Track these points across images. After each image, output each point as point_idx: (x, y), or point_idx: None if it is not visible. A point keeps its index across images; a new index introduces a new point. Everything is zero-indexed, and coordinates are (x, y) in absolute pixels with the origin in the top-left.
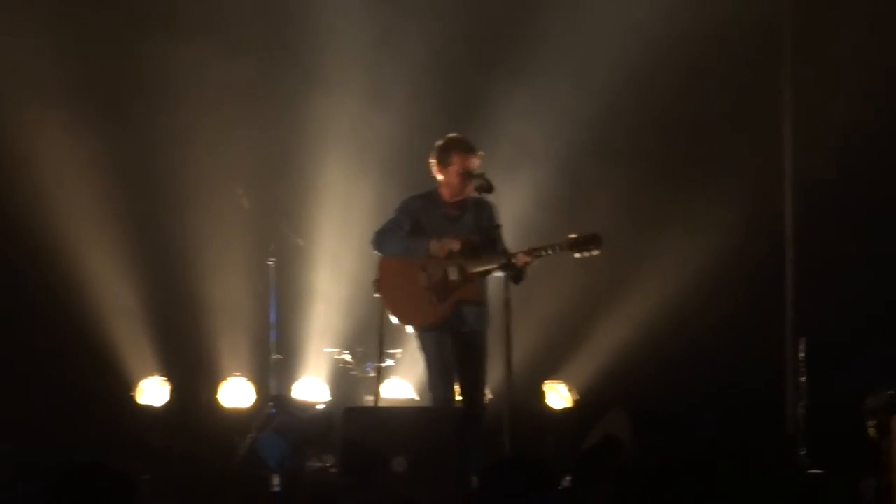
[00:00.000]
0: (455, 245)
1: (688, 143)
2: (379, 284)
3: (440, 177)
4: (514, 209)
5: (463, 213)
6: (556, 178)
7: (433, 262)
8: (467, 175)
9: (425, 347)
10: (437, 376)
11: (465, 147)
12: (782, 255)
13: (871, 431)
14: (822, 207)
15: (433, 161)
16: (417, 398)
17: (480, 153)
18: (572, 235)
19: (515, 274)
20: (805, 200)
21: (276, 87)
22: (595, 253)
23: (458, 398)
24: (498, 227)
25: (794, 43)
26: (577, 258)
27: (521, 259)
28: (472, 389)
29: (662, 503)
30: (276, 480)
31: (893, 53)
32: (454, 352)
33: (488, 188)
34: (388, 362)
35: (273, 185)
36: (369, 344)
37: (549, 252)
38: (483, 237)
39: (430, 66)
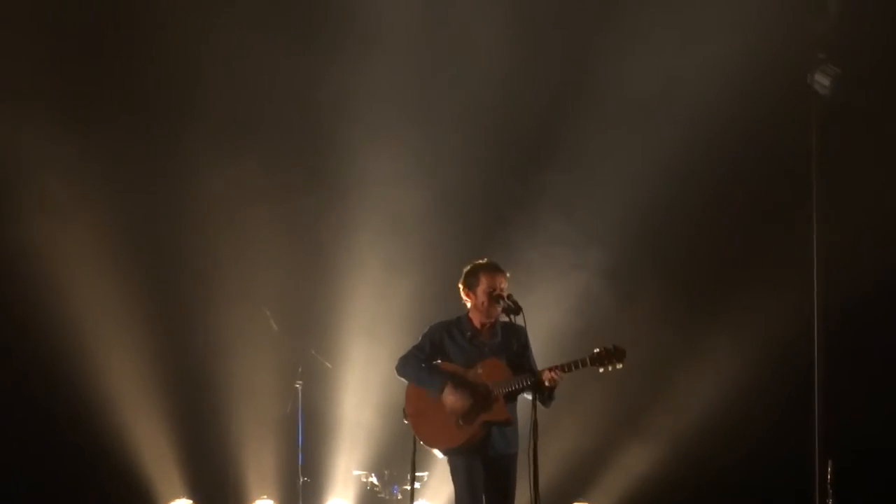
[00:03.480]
0: (465, 404)
1: (722, 266)
2: (407, 410)
3: (468, 301)
4: (550, 317)
5: (492, 338)
6: (596, 285)
7: (460, 383)
8: (494, 296)
9: (455, 471)
10: (467, 499)
11: (490, 267)
12: (811, 378)
13: None
14: (851, 329)
15: (461, 286)
16: None
17: (507, 274)
18: (596, 350)
19: (543, 394)
20: (835, 323)
21: (311, 218)
22: (619, 367)
23: None
24: (527, 348)
25: (820, 163)
26: (601, 372)
27: (546, 376)
28: None
29: None
30: None
31: None
32: (483, 475)
33: (515, 309)
34: (416, 485)
35: (302, 308)
36: (396, 467)
37: (574, 368)
38: (511, 359)
39: (458, 187)
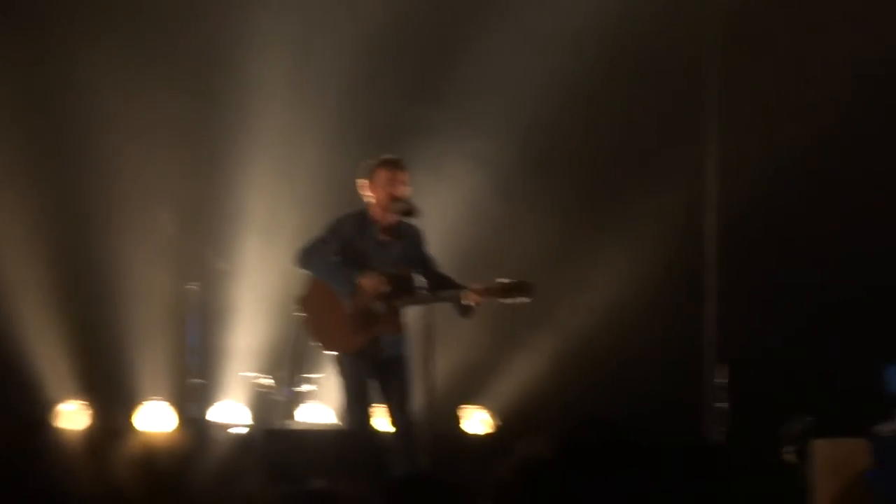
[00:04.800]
0: (385, 287)
1: (614, 166)
2: (304, 303)
3: (368, 195)
4: (445, 224)
5: (395, 239)
6: (488, 194)
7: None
8: (394, 196)
9: (342, 372)
10: (353, 401)
11: (390, 162)
12: (703, 281)
13: (790, 457)
14: (745, 234)
15: (361, 181)
16: (337, 422)
17: (406, 171)
18: (503, 281)
19: (463, 310)
20: (728, 228)
21: (202, 115)
22: (525, 301)
23: (386, 422)
24: (427, 256)
25: (720, 74)
26: (506, 304)
27: (472, 299)
28: (399, 410)
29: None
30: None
31: (811, 87)
32: (374, 379)
33: (411, 211)
34: (308, 386)
35: (198, 210)
36: (288, 368)
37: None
38: (412, 267)
39: (356, 94)
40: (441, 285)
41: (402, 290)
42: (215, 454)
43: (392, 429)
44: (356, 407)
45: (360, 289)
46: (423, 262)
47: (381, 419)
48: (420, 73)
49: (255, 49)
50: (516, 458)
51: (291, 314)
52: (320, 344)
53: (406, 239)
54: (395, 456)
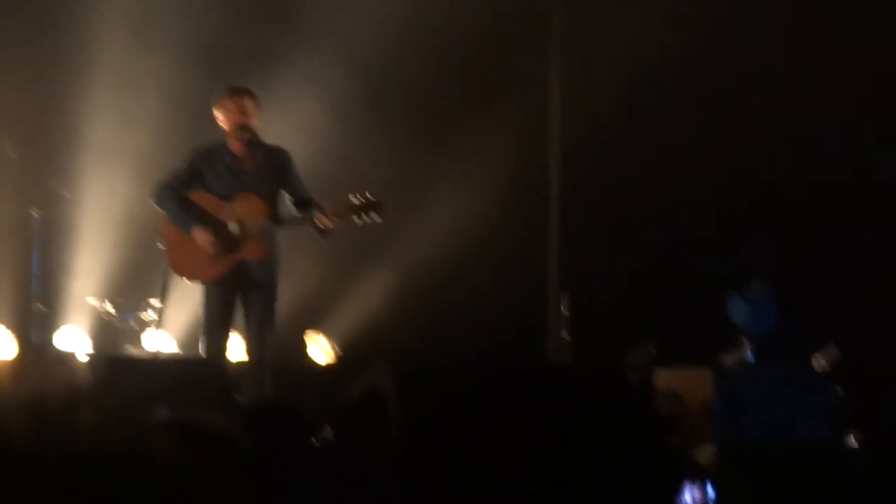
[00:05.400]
0: (212, 249)
1: (456, 96)
2: (163, 239)
3: (222, 125)
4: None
5: (255, 165)
6: (329, 122)
7: (217, 217)
8: (238, 125)
9: (205, 301)
10: (208, 330)
11: (235, 91)
12: (547, 212)
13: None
14: (588, 166)
15: (214, 111)
16: (182, 350)
17: (253, 99)
18: (353, 199)
19: (320, 231)
20: (571, 159)
21: (44, 41)
22: (377, 220)
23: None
24: (291, 175)
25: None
26: (358, 223)
27: (322, 221)
28: (255, 338)
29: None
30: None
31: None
32: (237, 306)
33: (253, 140)
34: (152, 313)
35: (40, 136)
36: (132, 295)
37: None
38: (273, 189)
39: (201, 16)
40: (303, 207)
41: (235, 242)
42: (58, 382)
43: (246, 357)
44: (210, 336)
45: (193, 235)
46: (289, 186)
47: (236, 347)
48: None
49: None
50: (357, 388)
51: (138, 245)
52: (182, 275)
53: (269, 164)
54: (245, 385)
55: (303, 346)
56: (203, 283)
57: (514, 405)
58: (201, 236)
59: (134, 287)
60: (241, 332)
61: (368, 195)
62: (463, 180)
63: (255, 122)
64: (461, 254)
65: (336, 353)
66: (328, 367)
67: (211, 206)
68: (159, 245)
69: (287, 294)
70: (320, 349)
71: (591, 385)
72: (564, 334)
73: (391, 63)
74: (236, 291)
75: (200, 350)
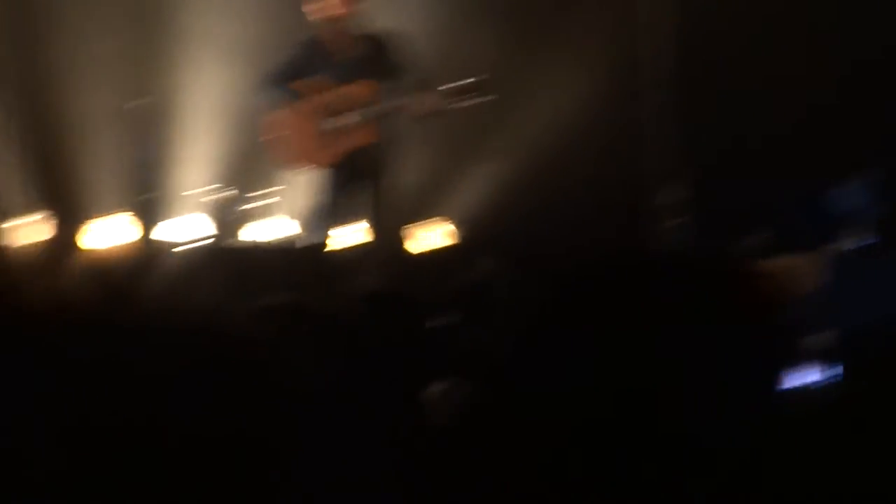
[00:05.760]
0: (318, 112)
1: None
2: (273, 127)
3: (315, 17)
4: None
5: (355, 55)
6: (432, 13)
7: (324, 106)
8: (329, 14)
9: (315, 188)
10: (318, 216)
11: None
12: (652, 97)
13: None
14: (693, 46)
15: (306, 4)
16: (296, 236)
17: None
18: (455, 84)
19: (421, 116)
20: (679, 38)
21: None
22: (481, 100)
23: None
24: (394, 63)
25: None
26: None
27: (424, 103)
28: (368, 222)
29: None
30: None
31: None
32: (348, 189)
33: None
34: (267, 199)
35: (146, 26)
36: (247, 182)
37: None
38: (375, 75)
39: None
40: (405, 92)
41: (342, 127)
42: (171, 269)
43: (359, 242)
44: (321, 222)
45: (301, 108)
46: (392, 70)
47: (348, 233)
48: None
49: None
50: (469, 274)
51: (251, 132)
52: (289, 162)
53: (370, 51)
54: (358, 271)
55: (414, 232)
56: (311, 168)
57: (622, 290)
58: (308, 105)
59: (245, 175)
60: (354, 218)
61: (469, 78)
62: (565, 66)
63: (347, 11)
64: (567, 140)
65: (448, 239)
66: (440, 253)
67: (318, 93)
68: (266, 135)
69: (398, 181)
70: (432, 236)
71: (699, 271)
72: (670, 222)
73: None
74: (348, 177)
75: (312, 237)
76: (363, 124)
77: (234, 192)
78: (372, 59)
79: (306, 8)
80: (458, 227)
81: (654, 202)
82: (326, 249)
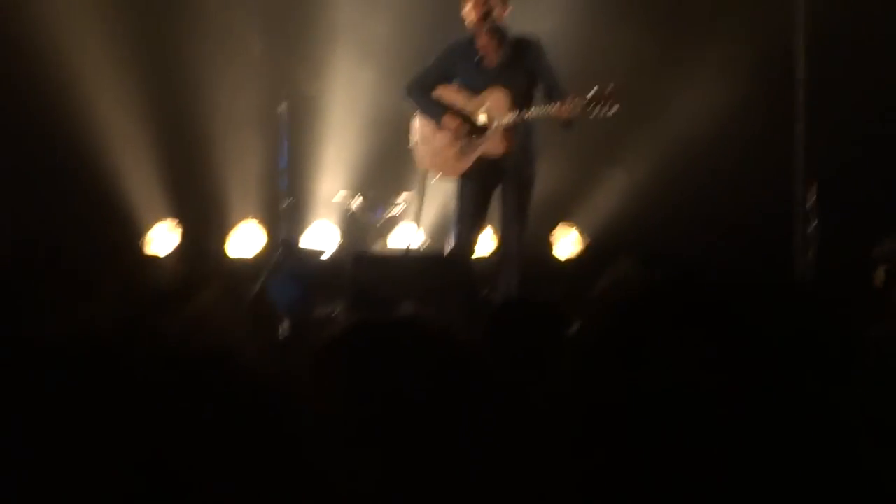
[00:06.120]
0: (460, 131)
1: None
2: (414, 135)
3: (468, 19)
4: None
5: (503, 58)
6: (573, 16)
7: (465, 112)
8: (481, 16)
9: (455, 195)
10: (457, 222)
11: None
12: (793, 99)
13: (879, 278)
14: (836, 51)
15: (461, 4)
16: (432, 245)
17: None
18: (594, 91)
19: (563, 122)
20: (818, 44)
21: None
22: (616, 109)
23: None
24: (542, 66)
25: None
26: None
27: (563, 111)
28: (506, 231)
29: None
30: (285, 325)
31: None
32: (490, 198)
33: (500, 34)
34: (399, 208)
35: (288, 30)
36: (381, 188)
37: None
38: (522, 82)
39: None
40: (551, 99)
41: (482, 135)
42: (305, 277)
43: (495, 251)
44: (460, 230)
45: (444, 126)
46: (538, 77)
47: (486, 242)
48: None
49: None
50: (607, 281)
51: (386, 141)
52: (430, 170)
53: (517, 55)
54: (494, 280)
55: (550, 239)
56: (451, 177)
57: (746, 315)
58: (450, 121)
59: (383, 181)
60: (493, 226)
61: (608, 85)
62: (703, 68)
63: (501, 14)
64: (704, 144)
65: (584, 244)
66: (575, 260)
67: (459, 100)
68: (410, 141)
69: (537, 185)
70: (567, 243)
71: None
72: (811, 226)
73: None
74: (489, 185)
75: (450, 244)
76: (501, 132)
77: (371, 197)
78: (516, 64)
79: (464, 4)
80: (593, 234)
81: (795, 209)
82: (462, 258)
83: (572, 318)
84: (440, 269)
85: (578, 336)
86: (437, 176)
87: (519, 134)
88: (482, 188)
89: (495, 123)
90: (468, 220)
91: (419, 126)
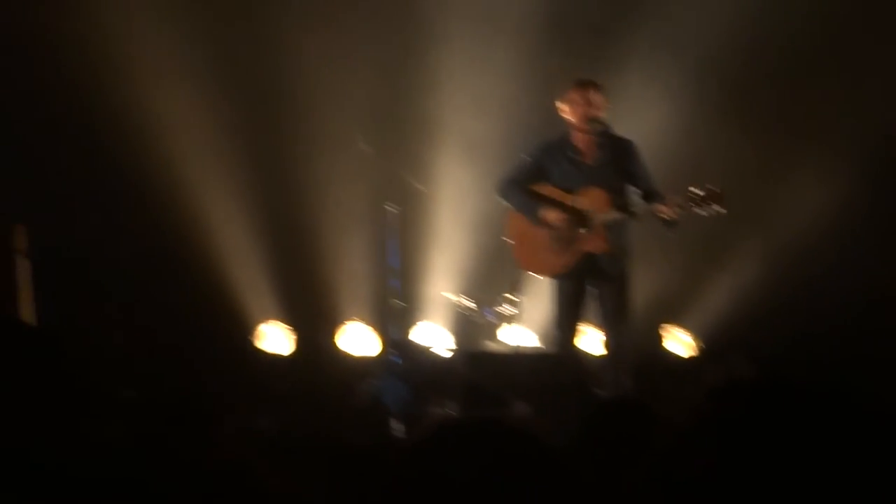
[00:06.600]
0: (558, 221)
1: (806, 95)
2: (509, 233)
3: (568, 118)
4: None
5: (599, 158)
6: (683, 108)
7: (559, 212)
8: (586, 115)
9: (554, 293)
10: (557, 322)
11: (581, 84)
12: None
13: None
14: None
15: (559, 104)
16: (540, 344)
17: (599, 92)
18: (695, 191)
19: (664, 223)
20: None
21: (399, 35)
22: (720, 210)
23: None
24: (637, 165)
25: None
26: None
27: (660, 211)
28: (610, 329)
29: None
30: (397, 426)
31: None
32: (596, 296)
33: (604, 131)
34: (511, 308)
35: (396, 130)
36: (490, 289)
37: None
38: (618, 181)
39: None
40: (648, 199)
41: (579, 232)
42: (417, 377)
43: (601, 349)
44: (560, 329)
45: (543, 222)
46: (634, 178)
47: (592, 340)
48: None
49: None
50: (715, 386)
51: (493, 240)
52: (527, 268)
53: (614, 156)
54: (602, 378)
55: (660, 338)
56: (548, 275)
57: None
58: (551, 214)
59: (491, 281)
60: (596, 325)
61: (710, 186)
62: (810, 169)
63: (598, 114)
64: (817, 242)
65: (695, 345)
66: (687, 359)
67: (555, 198)
68: (505, 239)
69: (642, 286)
70: (678, 341)
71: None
72: None
73: (729, 52)
74: (585, 284)
75: (552, 343)
76: (598, 231)
77: (482, 297)
78: (614, 164)
79: (564, 104)
80: (705, 332)
81: None
82: (570, 356)
83: (672, 418)
84: (551, 367)
85: (679, 437)
86: (535, 274)
87: (613, 233)
88: (578, 285)
89: (597, 218)
90: (569, 318)
91: (513, 225)
